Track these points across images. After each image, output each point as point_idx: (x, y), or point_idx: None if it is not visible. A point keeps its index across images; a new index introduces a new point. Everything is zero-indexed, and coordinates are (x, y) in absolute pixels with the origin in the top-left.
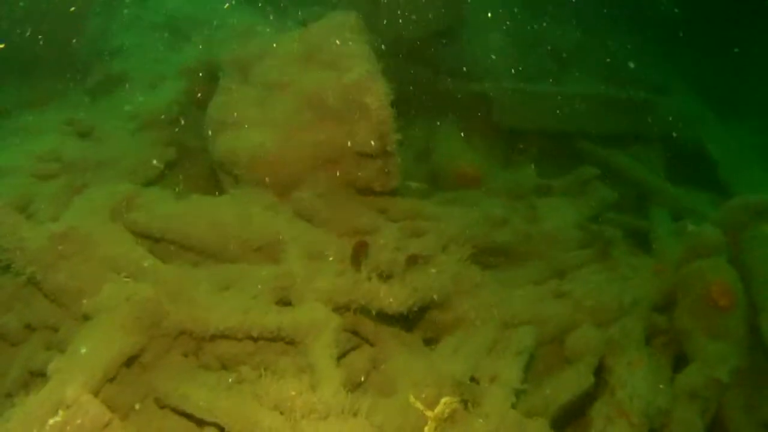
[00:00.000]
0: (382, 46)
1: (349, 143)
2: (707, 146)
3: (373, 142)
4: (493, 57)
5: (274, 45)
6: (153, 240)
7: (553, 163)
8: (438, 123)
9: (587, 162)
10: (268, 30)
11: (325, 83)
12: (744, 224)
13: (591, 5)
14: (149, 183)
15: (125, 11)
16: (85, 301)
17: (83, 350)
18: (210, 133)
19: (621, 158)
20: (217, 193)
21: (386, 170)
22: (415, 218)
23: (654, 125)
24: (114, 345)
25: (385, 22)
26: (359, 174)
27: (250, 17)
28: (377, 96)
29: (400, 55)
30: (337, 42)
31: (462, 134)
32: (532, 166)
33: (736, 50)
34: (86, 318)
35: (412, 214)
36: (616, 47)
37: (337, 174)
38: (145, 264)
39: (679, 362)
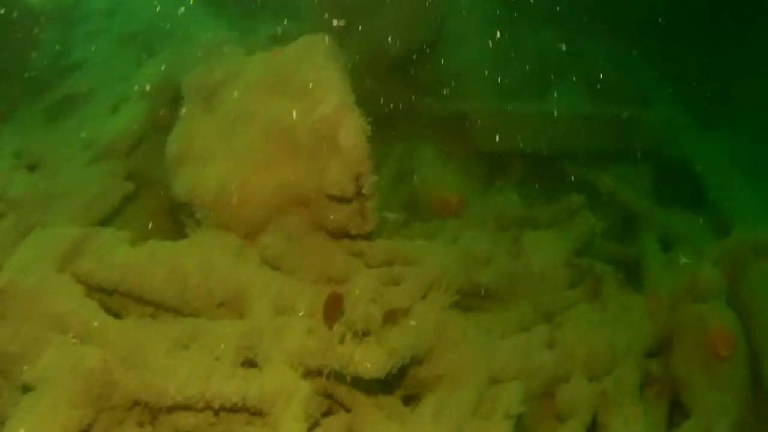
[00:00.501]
0: (358, 64)
1: (320, 184)
2: (694, 164)
3: (346, 185)
4: (473, 74)
5: (241, 70)
6: (106, 293)
7: (537, 186)
8: (417, 144)
9: (572, 184)
10: (235, 51)
11: (293, 116)
12: (743, 263)
13: (573, 12)
14: (104, 222)
15: (90, 21)
16: (26, 368)
17: (22, 431)
18: (168, 169)
19: (607, 180)
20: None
21: (361, 213)
22: (393, 262)
23: (640, 142)
24: (57, 421)
25: (360, 38)
26: (332, 217)
27: (216, 34)
28: (351, 132)
29: (377, 73)
30: (309, 69)
31: (442, 157)
32: (515, 195)
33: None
34: (27, 388)
35: (390, 258)
36: (599, 56)
37: (308, 216)
38: (95, 323)
39: (674, 408)
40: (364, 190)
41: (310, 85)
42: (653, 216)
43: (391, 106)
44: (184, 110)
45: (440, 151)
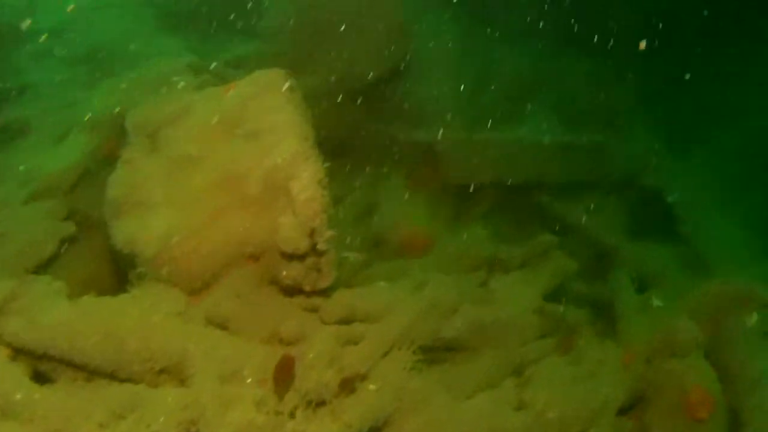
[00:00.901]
0: (321, 91)
1: (272, 238)
2: (667, 194)
3: (299, 242)
4: (442, 99)
5: (190, 107)
6: (35, 357)
7: (507, 218)
8: (382, 175)
9: (543, 216)
10: (186, 81)
11: (245, 162)
12: (722, 314)
13: (545, 31)
14: (38, 270)
15: (36, 40)
16: None
17: None
18: (107, 215)
19: (578, 214)
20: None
21: (317, 269)
22: (352, 318)
23: (612, 172)
24: None
25: (323, 64)
26: (284, 273)
27: (168, 61)
28: (305, 184)
29: (341, 100)
30: (262, 111)
31: (408, 188)
32: (484, 230)
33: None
34: None
35: (348, 314)
36: (571, 77)
37: (259, 270)
38: (18, 395)
39: None
40: (318, 247)
41: (263, 129)
42: (626, 252)
43: (356, 134)
44: (126, 150)
45: (406, 182)
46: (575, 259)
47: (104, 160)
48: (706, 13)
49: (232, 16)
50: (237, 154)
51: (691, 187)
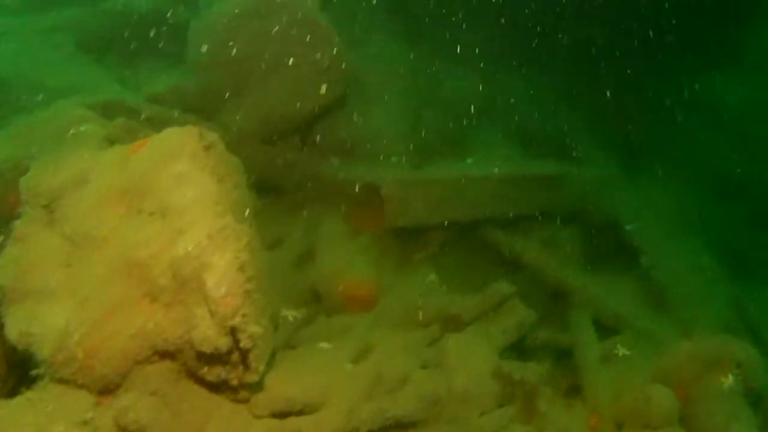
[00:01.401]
0: (251, 129)
1: (188, 334)
2: (624, 223)
3: (218, 342)
4: (384, 132)
5: (91, 171)
6: None
7: (457, 259)
8: (322, 218)
9: (495, 255)
10: (91, 133)
11: (151, 247)
12: (695, 377)
13: (491, 51)
14: None
15: None
16: None
17: None
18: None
19: (534, 253)
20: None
21: (243, 364)
22: (288, 410)
23: (566, 201)
24: None
25: (255, 99)
26: (205, 369)
27: (76, 109)
28: (222, 274)
29: (275, 138)
30: (170, 182)
31: (349, 232)
32: (433, 275)
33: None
34: None
35: (284, 406)
36: (520, 98)
37: (176, 366)
38: None
39: None
40: (242, 345)
41: (172, 206)
42: (585, 292)
43: (292, 174)
44: (20, 224)
45: (347, 224)
46: (531, 299)
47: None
48: (651, 34)
49: (159, 42)
50: (142, 235)
51: (647, 213)
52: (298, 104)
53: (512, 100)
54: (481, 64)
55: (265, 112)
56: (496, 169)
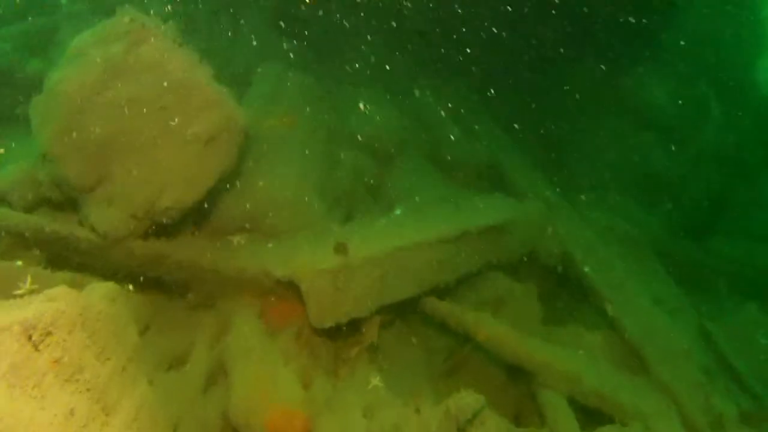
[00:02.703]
0: (125, 221)
1: None
2: (580, 265)
3: None
4: (295, 196)
5: None
6: None
7: (402, 347)
8: (232, 319)
9: (441, 330)
10: None
11: None
12: None
13: (402, 66)
14: None
15: None
16: None
17: None
18: None
19: (485, 321)
20: None
21: None
22: None
23: (514, 248)
24: None
25: (125, 188)
26: None
27: None
28: None
29: (156, 228)
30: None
31: (268, 334)
32: (376, 378)
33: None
34: None
35: None
36: (440, 120)
37: None
38: None
39: None
40: None
41: None
42: (555, 371)
43: (188, 269)
44: None
45: (266, 323)
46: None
47: None
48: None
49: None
50: None
51: (596, 244)
52: (181, 186)
53: (433, 125)
54: (393, 83)
55: (138, 201)
56: (433, 232)
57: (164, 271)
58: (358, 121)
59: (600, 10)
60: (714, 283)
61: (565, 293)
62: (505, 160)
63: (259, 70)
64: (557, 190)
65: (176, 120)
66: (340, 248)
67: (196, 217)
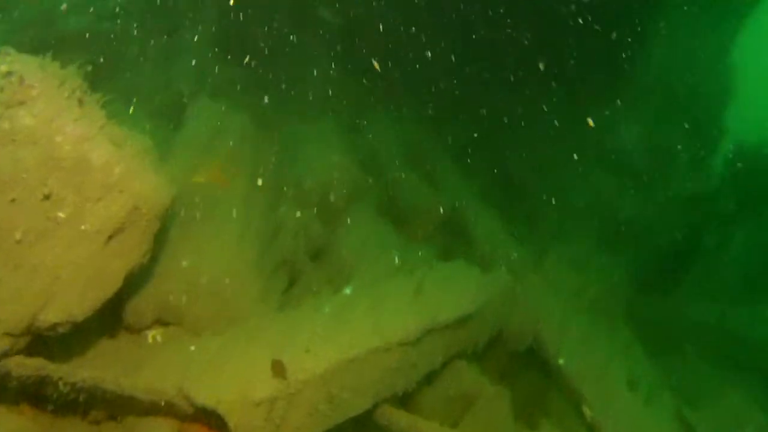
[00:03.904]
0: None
1: None
2: (554, 357)
3: None
4: (226, 278)
5: None
6: None
7: None
8: None
9: None
10: None
11: None
12: None
13: (351, 95)
14: None
15: None
16: None
17: None
18: None
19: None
20: None
21: None
22: None
23: (480, 335)
24: None
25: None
26: None
27: None
28: None
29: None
30: None
31: None
32: None
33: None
34: None
35: None
36: (393, 161)
37: None
38: None
39: None
40: None
41: None
42: None
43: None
44: None
45: None
46: None
47: None
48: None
49: None
50: None
51: (565, 319)
52: (74, 295)
53: (387, 168)
54: (342, 115)
55: (13, 316)
56: (390, 332)
57: (56, 392)
58: (304, 167)
59: (568, 45)
60: (687, 351)
61: (534, 375)
62: (466, 211)
63: (192, 107)
64: (521, 244)
65: (65, 212)
66: (277, 368)
67: (106, 317)
